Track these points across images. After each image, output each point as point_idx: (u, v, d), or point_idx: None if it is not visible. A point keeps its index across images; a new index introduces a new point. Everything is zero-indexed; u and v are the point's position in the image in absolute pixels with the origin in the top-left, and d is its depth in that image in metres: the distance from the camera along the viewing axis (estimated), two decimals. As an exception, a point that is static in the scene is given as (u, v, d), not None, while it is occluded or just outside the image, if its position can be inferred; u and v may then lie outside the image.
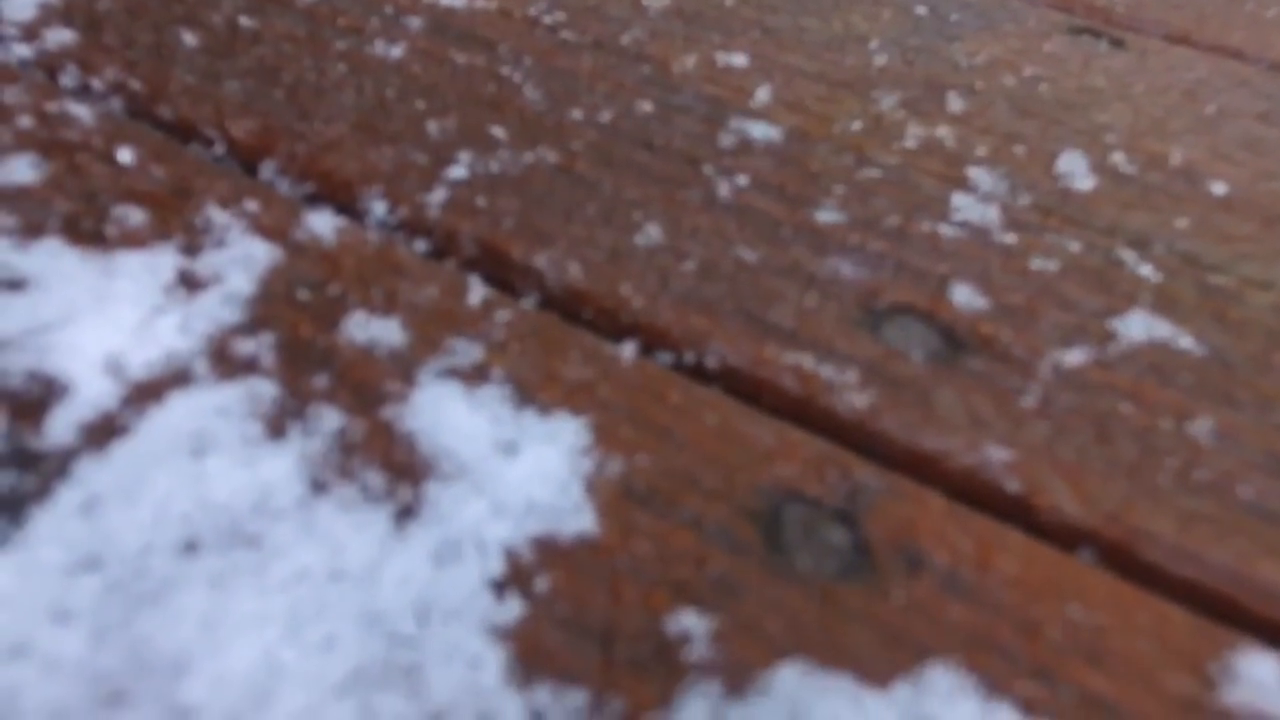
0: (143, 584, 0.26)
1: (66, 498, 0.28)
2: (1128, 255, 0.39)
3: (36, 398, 0.30)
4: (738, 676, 0.25)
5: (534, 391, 0.32)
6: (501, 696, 0.25)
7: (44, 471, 0.28)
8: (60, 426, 0.29)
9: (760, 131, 0.43)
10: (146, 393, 0.30)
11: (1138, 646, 0.27)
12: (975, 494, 0.30)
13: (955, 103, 0.47)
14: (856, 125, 0.44)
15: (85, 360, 0.31)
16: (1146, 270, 0.38)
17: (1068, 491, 0.30)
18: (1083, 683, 0.26)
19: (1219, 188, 0.43)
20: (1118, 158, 0.44)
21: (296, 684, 0.24)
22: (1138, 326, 0.36)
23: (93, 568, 0.26)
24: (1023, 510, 0.30)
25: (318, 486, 0.28)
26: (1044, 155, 0.44)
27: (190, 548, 0.27)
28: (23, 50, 0.44)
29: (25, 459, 0.28)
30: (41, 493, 0.28)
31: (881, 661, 0.26)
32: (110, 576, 0.26)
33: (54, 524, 0.27)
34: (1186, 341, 0.35)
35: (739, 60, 0.48)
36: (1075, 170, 0.43)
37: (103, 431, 0.29)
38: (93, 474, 0.28)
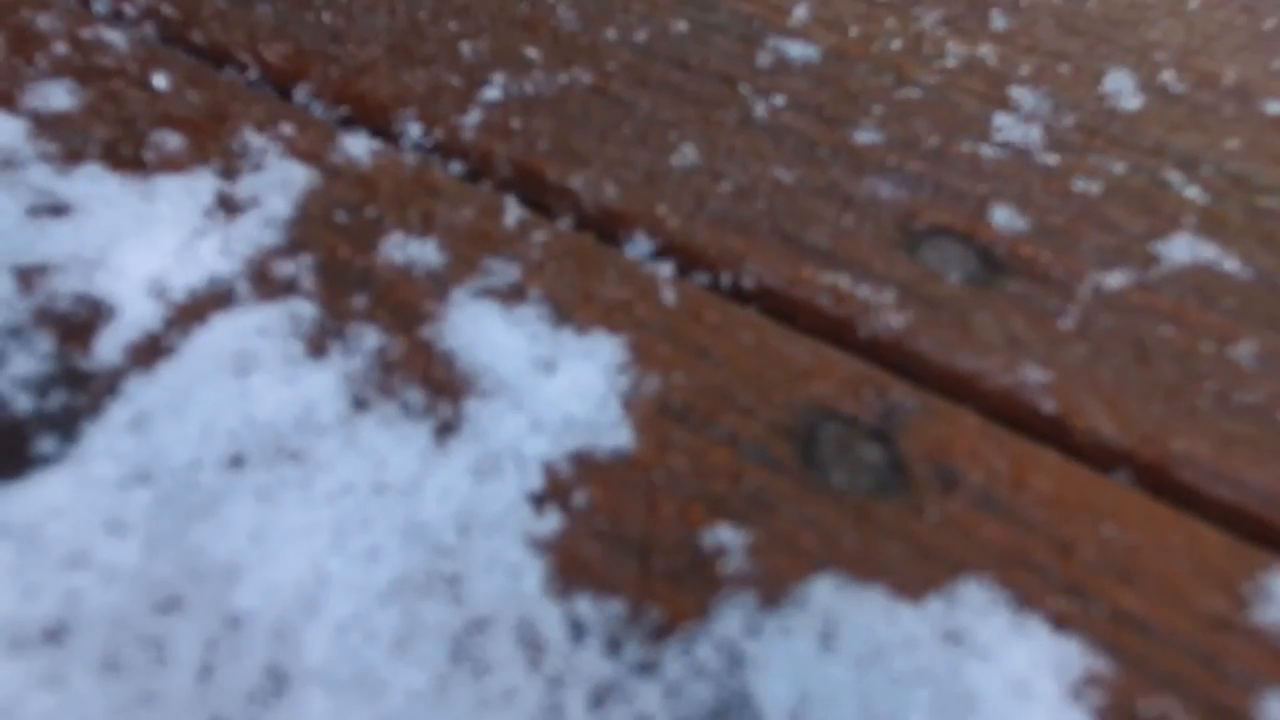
0: (193, 497, 0.27)
1: (117, 415, 0.28)
2: (1174, 176, 0.38)
3: (84, 319, 0.31)
4: (773, 588, 0.26)
5: (571, 310, 0.32)
6: (541, 605, 0.25)
7: (94, 390, 0.29)
8: (108, 347, 0.30)
9: (798, 50, 0.42)
10: (190, 314, 0.31)
11: (1170, 566, 0.27)
12: (1011, 414, 0.30)
13: (999, 20, 0.45)
14: (896, 44, 0.43)
15: (129, 283, 0.32)
16: (1193, 192, 0.37)
17: (1105, 413, 0.30)
18: (1114, 600, 0.26)
19: (1274, 107, 0.41)
20: (1167, 76, 0.43)
21: (343, 592, 0.25)
22: (1182, 249, 0.35)
23: (144, 481, 0.27)
24: (1059, 430, 0.30)
25: (359, 403, 0.29)
26: (1089, 74, 0.43)
27: (237, 462, 0.27)
28: (56, -26, 0.44)
29: (76, 378, 0.29)
30: (93, 410, 0.28)
31: (915, 576, 0.26)
32: (161, 489, 0.27)
33: (106, 440, 0.28)
34: (1232, 264, 0.35)
35: (776, -22, 0.47)
36: (1122, 89, 0.42)
37: (149, 351, 0.30)
38: (141, 392, 0.29)
